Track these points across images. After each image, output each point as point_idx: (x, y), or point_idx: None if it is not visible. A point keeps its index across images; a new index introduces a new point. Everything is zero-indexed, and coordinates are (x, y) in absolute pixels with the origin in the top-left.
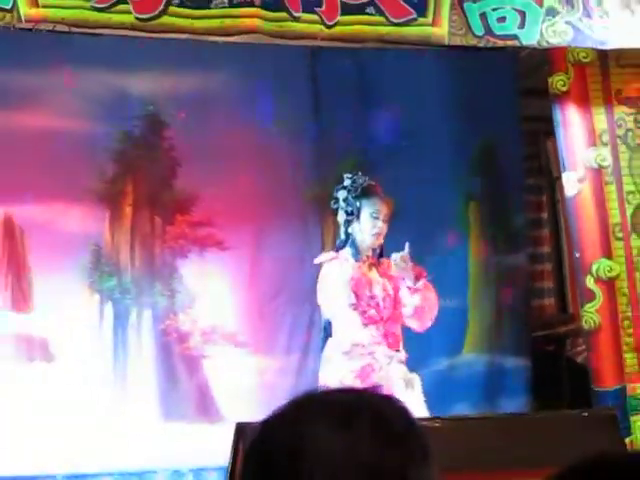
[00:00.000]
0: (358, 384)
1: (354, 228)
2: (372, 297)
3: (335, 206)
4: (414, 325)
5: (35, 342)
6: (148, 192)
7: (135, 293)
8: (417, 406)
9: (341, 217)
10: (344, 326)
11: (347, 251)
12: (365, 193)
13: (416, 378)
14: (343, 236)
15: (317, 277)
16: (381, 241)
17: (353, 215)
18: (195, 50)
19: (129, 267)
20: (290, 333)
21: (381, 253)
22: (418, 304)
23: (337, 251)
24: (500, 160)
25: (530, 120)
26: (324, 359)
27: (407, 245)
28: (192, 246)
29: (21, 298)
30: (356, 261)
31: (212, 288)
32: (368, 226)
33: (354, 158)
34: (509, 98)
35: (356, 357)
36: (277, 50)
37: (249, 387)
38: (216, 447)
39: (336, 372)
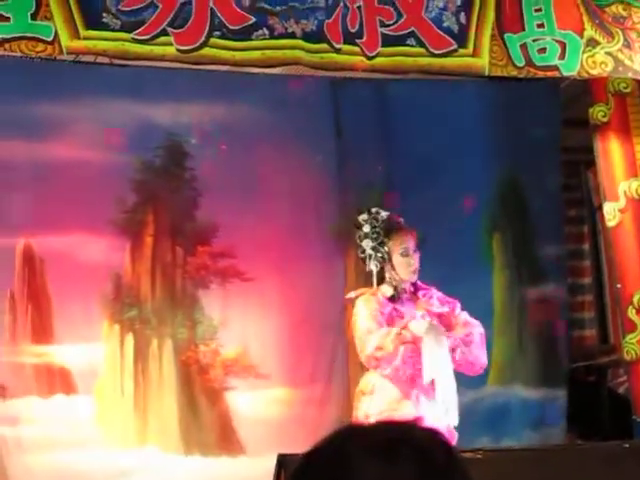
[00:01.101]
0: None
1: (389, 270)
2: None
3: (363, 255)
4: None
5: (56, 374)
6: (169, 222)
7: (156, 324)
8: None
9: (374, 266)
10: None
11: (384, 287)
12: (388, 234)
13: (444, 339)
14: (378, 279)
15: (340, 309)
16: (417, 271)
17: (385, 261)
18: (218, 81)
19: (150, 298)
20: (313, 365)
21: (415, 283)
22: (459, 359)
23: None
24: (529, 191)
25: (571, 151)
26: (359, 393)
27: (420, 315)
28: (213, 277)
29: (41, 329)
30: (393, 299)
31: (234, 319)
32: (402, 266)
33: (378, 190)
34: (550, 129)
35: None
36: (297, 80)
37: (271, 419)
38: None
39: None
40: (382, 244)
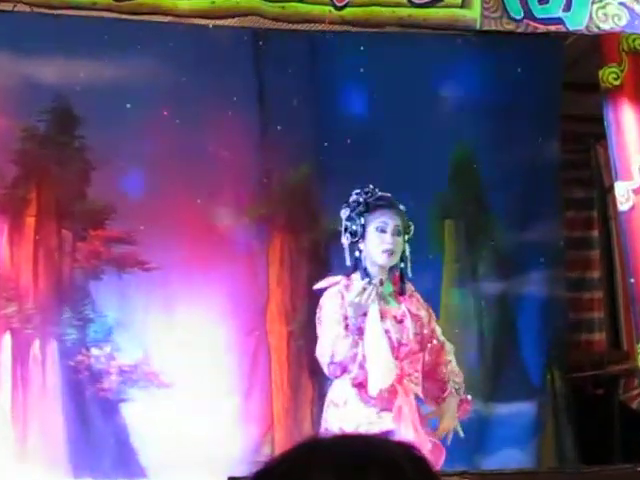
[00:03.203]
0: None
1: (361, 249)
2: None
3: (339, 228)
4: None
5: None
6: (55, 201)
7: (39, 322)
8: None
9: (345, 239)
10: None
11: (356, 276)
12: (370, 207)
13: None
14: (349, 262)
15: (261, 309)
16: (396, 260)
17: (357, 235)
18: (115, 32)
19: (32, 291)
20: (228, 373)
21: (402, 277)
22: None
23: (347, 276)
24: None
25: (576, 120)
26: (329, 403)
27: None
28: (108, 266)
29: None
30: (364, 289)
31: (132, 317)
32: (375, 243)
33: (309, 163)
34: (550, 95)
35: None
36: (212, 33)
37: (176, 437)
38: None
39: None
40: (360, 215)
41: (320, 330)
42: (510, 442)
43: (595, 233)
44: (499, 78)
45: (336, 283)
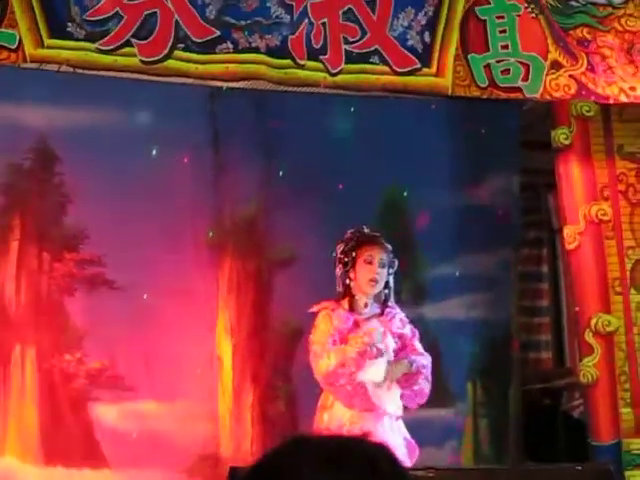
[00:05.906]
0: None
1: (350, 278)
2: None
3: (334, 261)
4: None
5: None
6: (36, 227)
7: (20, 330)
8: None
9: (338, 270)
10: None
11: (345, 302)
12: (361, 242)
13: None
14: (340, 288)
15: (210, 324)
16: (380, 288)
17: (348, 265)
18: (87, 84)
19: (14, 304)
20: (180, 379)
21: (385, 301)
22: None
23: (337, 301)
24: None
25: (532, 173)
26: (319, 408)
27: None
28: (79, 284)
29: None
30: (351, 311)
31: (100, 329)
32: (362, 274)
33: (255, 203)
34: (510, 151)
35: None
36: (174, 89)
37: (135, 433)
38: None
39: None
40: (351, 250)
41: (311, 346)
42: (428, 441)
43: (545, 268)
44: (466, 137)
45: (326, 307)
